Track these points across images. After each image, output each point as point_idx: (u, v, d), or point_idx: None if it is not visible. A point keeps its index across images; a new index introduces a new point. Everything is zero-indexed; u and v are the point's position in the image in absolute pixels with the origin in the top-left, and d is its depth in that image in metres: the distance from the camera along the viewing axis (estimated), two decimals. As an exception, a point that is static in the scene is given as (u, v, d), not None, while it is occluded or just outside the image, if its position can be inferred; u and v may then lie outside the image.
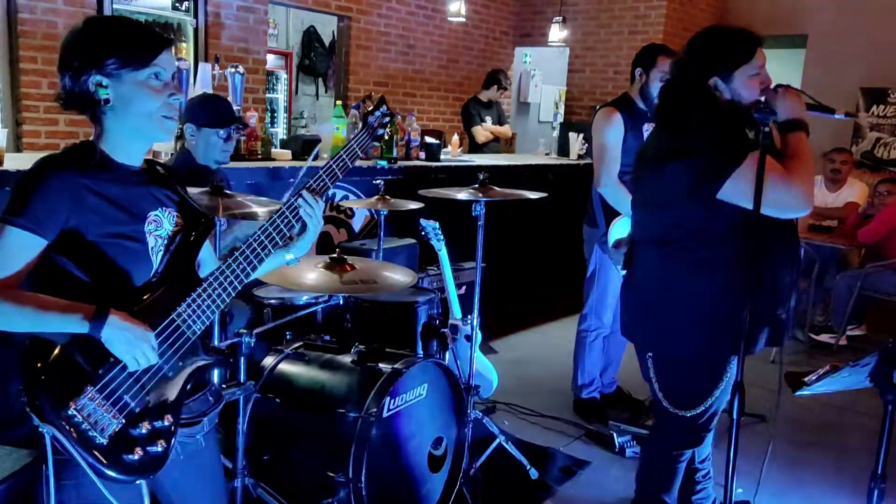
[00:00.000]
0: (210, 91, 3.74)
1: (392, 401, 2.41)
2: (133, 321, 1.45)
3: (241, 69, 4.09)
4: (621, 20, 7.54)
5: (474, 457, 2.95)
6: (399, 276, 2.62)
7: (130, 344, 1.43)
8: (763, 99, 2.12)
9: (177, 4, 5.37)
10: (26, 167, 2.98)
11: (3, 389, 2.72)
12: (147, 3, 5.24)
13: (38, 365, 1.44)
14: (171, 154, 3.32)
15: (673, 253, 2.23)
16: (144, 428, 1.48)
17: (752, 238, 1.94)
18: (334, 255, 2.54)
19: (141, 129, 1.54)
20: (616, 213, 3.49)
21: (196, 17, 5.47)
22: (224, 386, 2.28)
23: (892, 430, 1.70)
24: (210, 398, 1.70)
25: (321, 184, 1.71)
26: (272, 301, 2.87)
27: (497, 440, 3.12)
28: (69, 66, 1.50)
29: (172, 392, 1.54)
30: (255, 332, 2.31)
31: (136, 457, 1.46)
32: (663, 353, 2.32)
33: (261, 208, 2.34)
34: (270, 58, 7.49)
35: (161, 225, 1.58)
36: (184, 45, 5.53)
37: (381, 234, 3.43)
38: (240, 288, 1.60)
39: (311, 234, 1.75)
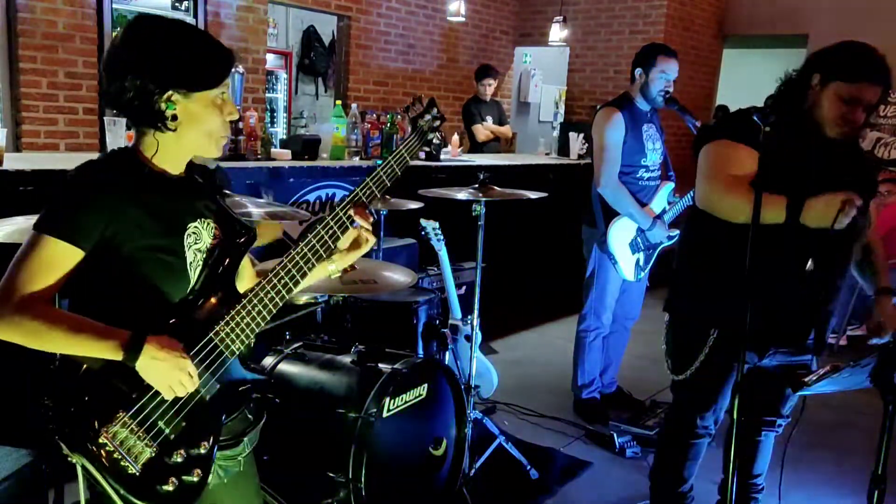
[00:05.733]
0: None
1: (392, 401, 2.41)
2: (169, 349, 1.36)
3: (240, 69, 4.09)
4: (622, 20, 7.53)
5: (474, 457, 2.95)
6: (399, 276, 2.62)
7: (166, 374, 1.36)
8: None
9: (176, 4, 5.36)
10: (30, 167, 2.94)
11: (2, 389, 2.71)
12: (147, 2, 5.23)
13: (69, 390, 1.36)
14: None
15: (693, 215, 2.41)
16: (179, 456, 1.40)
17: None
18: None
19: (198, 146, 1.48)
20: (615, 214, 3.49)
21: (196, 16, 5.46)
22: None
23: (893, 430, 1.70)
24: (249, 416, 1.59)
25: (369, 195, 1.57)
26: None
27: (497, 440, 3.11)
28: (137, 73, 1.38)
29: (209, 416, 1.46)
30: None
31: (171, 487, 1.39)
32: (671, 307, 2.49)
33: (258, 209, 2.34)
34: (270, 57, 7.48)
35: (200, 238, 1.48)
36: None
37: (381, 234, 3.43)
38: (281, 304, 1.50)
39: (363, 249, 1.62)
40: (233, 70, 1.47)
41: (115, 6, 5.01)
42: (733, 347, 2.22)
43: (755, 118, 1.99)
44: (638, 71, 3.48)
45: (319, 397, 2.49)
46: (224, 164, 2.99)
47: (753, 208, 1.84)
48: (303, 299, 2.88)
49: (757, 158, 2.05)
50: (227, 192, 2.38)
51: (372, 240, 1.62)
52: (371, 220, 1.58)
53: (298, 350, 2.67)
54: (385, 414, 2.38)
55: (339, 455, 2.32)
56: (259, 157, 4.07)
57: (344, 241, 1.57)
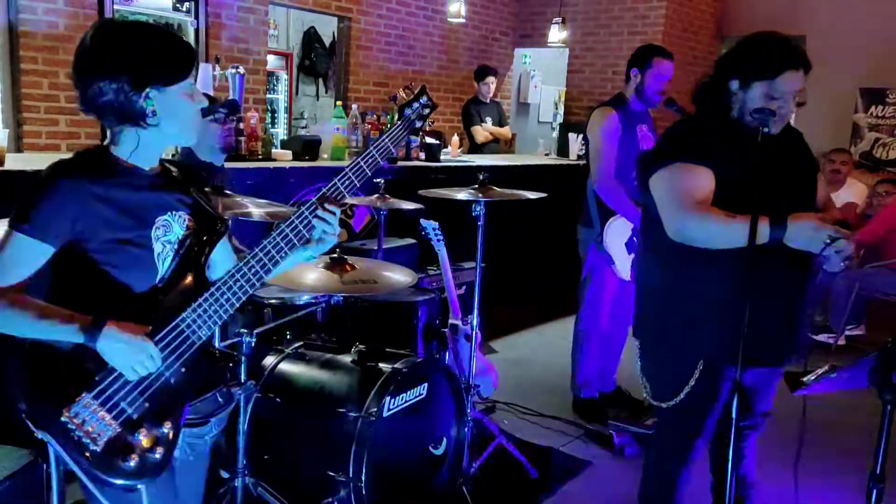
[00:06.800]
0: (210, 93, 3.74)
1: (392, 401, 2.41)
2: (131, 331, 1.44)
3: (241, 70, 4.10)
4: (621, 21, 7.53)
5: (474, 457, 2.96)
6: (399, 276, 2.63)
7: (126, 354, 1.43)
8: None
9: (177, 5, 5.37)
10: (31, 168, 2.96)
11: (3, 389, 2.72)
12: (147, 3, 5.24)
13: (35, 371, 1.46)
14: (173, 154, 3.32)
15: (646, 239, 2.27)
16: (142, 435, 1.48)
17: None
18: (334, 255, 2.55)
19: (178, 136, 1.58)
20: (611, 213, 3.50)
21: (197, 17, 5.46)
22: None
23: (892, 430, 1.71)
24: (219, 399, 1.68)
25: (336, 191, 1.59)
26: (272, 301, 2.88)
27: (497, 440, 3.12)
28: (113, 75, 1.45)
29: (173, 398, 1.53)
30: (255, 332, 2.32)
31: (133, 463, 1.47)
32: (643, 334, 2.32)
33: (259, 209, 2.34)
34: (271, 58, 7.49)
35: (170, 230, 1.55)
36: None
37: (382, 234, 3.44)
38: (251, 292, 1.56)
39: (328, 244, 1.66)
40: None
41: (116, 7, 5.02)
42: (718, 373, 2.13)
43: (754, 116, 1.98)
44: (633, 71, 3.49)
45: (320, 397, 2.50)
46: (224, 165, 2.98)
47: (750, 226, 1.79)
48: (303, 299, 2.89)
49: (712, 177, 1.98)
50: (227, 191, 2.40)
51: (332, 239, 1.64)
52: (337, 214, 1.59)
53: (299, 350, 2.68)
54: (385, 414, 2.39)
55: (339, 455, 2.33)
56: (260, 157, 4.08)
57: (317, 233, 1.62)
